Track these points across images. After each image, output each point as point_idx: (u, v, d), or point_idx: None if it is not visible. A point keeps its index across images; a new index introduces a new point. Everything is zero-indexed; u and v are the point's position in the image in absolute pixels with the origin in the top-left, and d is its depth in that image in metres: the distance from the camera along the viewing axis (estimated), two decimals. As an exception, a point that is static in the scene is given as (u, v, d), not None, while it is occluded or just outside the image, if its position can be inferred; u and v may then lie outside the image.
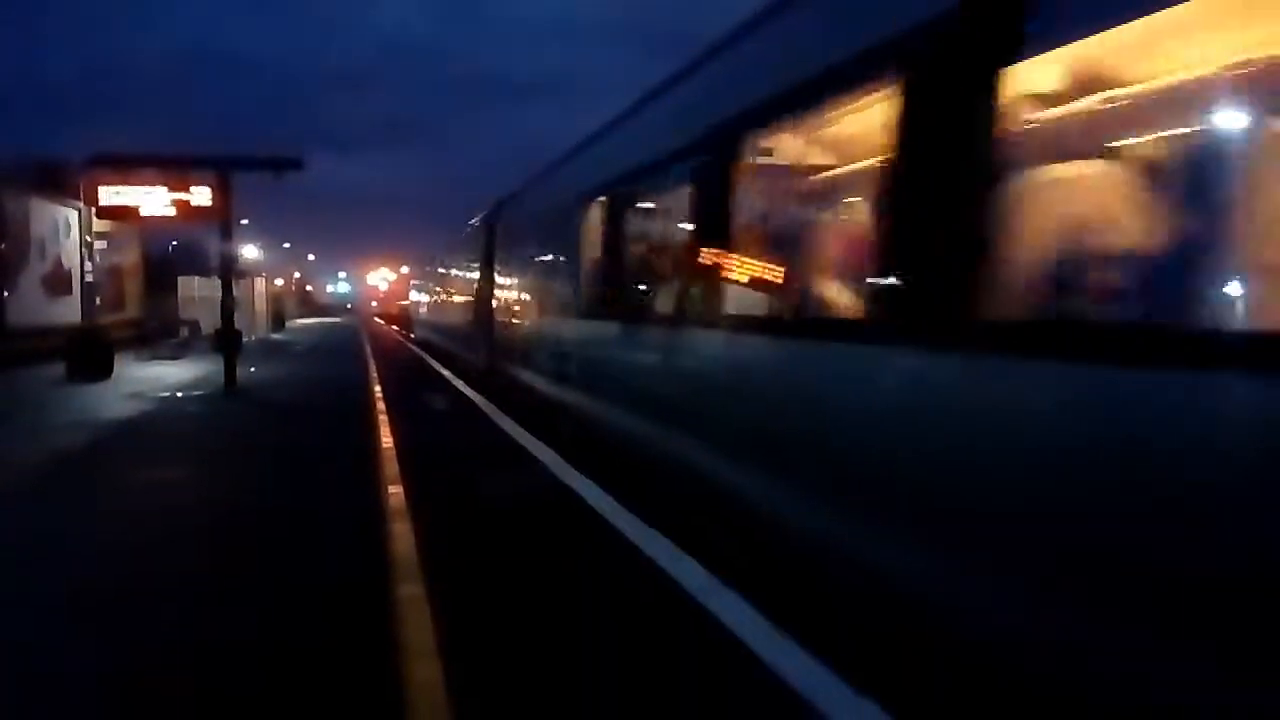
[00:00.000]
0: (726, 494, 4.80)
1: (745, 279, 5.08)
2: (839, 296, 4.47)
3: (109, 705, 3.20)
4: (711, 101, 5.60)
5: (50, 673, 3.46)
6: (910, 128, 3.31)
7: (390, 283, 67.06)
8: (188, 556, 5.01)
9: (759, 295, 5.00)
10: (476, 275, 16.03)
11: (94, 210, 16.99)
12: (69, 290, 24.20)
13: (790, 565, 4.14)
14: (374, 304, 72.42)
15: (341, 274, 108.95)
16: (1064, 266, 2.93)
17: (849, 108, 4.08)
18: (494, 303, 14.25)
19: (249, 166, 14.27)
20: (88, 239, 25.15)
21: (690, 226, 5.85)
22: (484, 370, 14.08)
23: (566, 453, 7.56)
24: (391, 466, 7.38)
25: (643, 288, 7.18)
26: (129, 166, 14.15)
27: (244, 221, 30.17)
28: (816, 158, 5.40)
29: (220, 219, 14.43)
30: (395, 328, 47.21)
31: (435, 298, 25.71)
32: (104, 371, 16.06)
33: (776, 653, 3.34)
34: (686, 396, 5.55)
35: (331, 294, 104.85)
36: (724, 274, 5.18)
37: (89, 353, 16.31)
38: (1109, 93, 3.06)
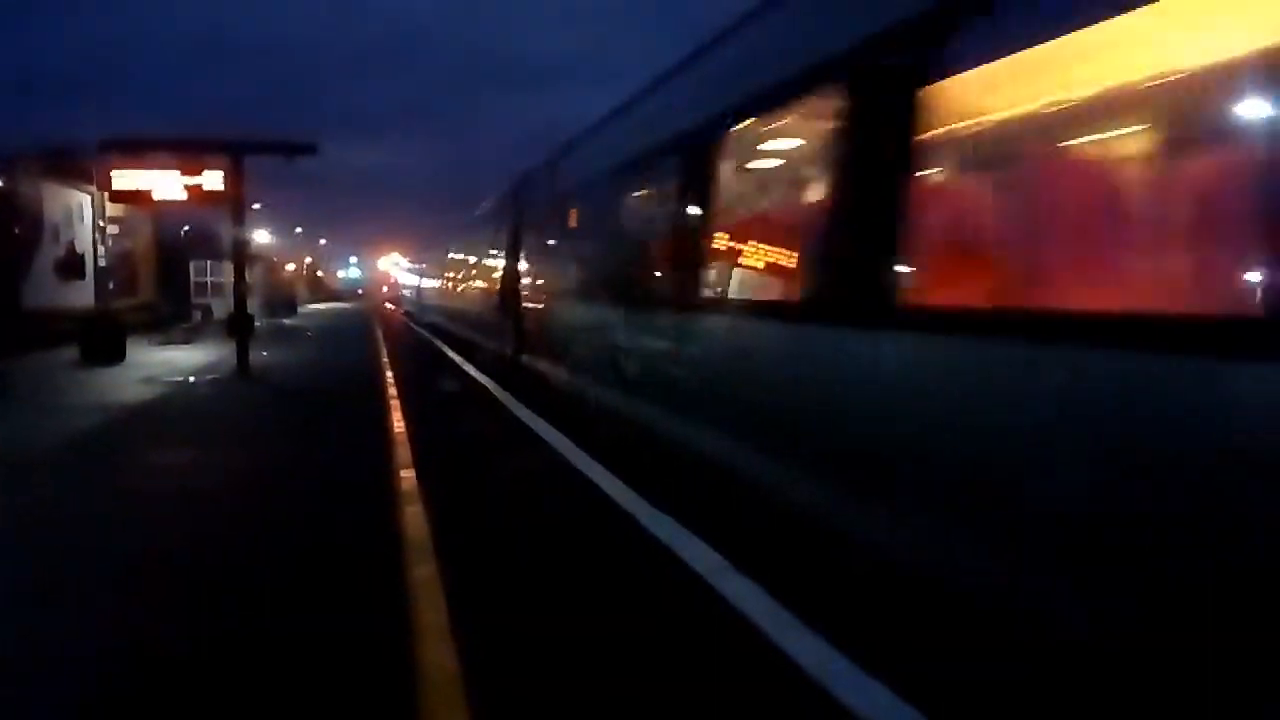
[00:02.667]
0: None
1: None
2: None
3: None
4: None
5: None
6: (847, 138, 3.83)
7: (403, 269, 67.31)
8: (205, 530, 5.03)
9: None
10: (498, 257, 14.56)
11: (107, 195, 17.03)
12: (82, 275, 24.29)
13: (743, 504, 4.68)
14: (385, 289, 72.53)
15: (353, 259, 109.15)
16: (969, 257, 3.47)
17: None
18: (521, 288, 12.64)
19: (262, 150, 14.28)
20: (101, 224, 25.23)
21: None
22: (508, 362, 12.76)
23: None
24: (406, 458, 7.37)
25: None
26: (142, 150, 14.16)
27: (256, 206, 30.18)
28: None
29: (233, 203, 14.44)
30: (405, 312, 47.49)
31: (448, 283, 24.52)
32: (117, 356, 16.13)
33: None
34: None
35: (343, 279, 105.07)
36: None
37: (102, 337, 16.37)
38: (1008, 111, 3.46)
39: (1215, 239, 2.64)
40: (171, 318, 26.33)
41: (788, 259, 5.11)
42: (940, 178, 3.71)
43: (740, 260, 5.66)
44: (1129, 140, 3.07)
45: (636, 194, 7.45)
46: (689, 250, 5.84)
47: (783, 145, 5.43)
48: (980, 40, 3.15)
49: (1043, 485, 2.75)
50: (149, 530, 5.25)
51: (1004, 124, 3.46)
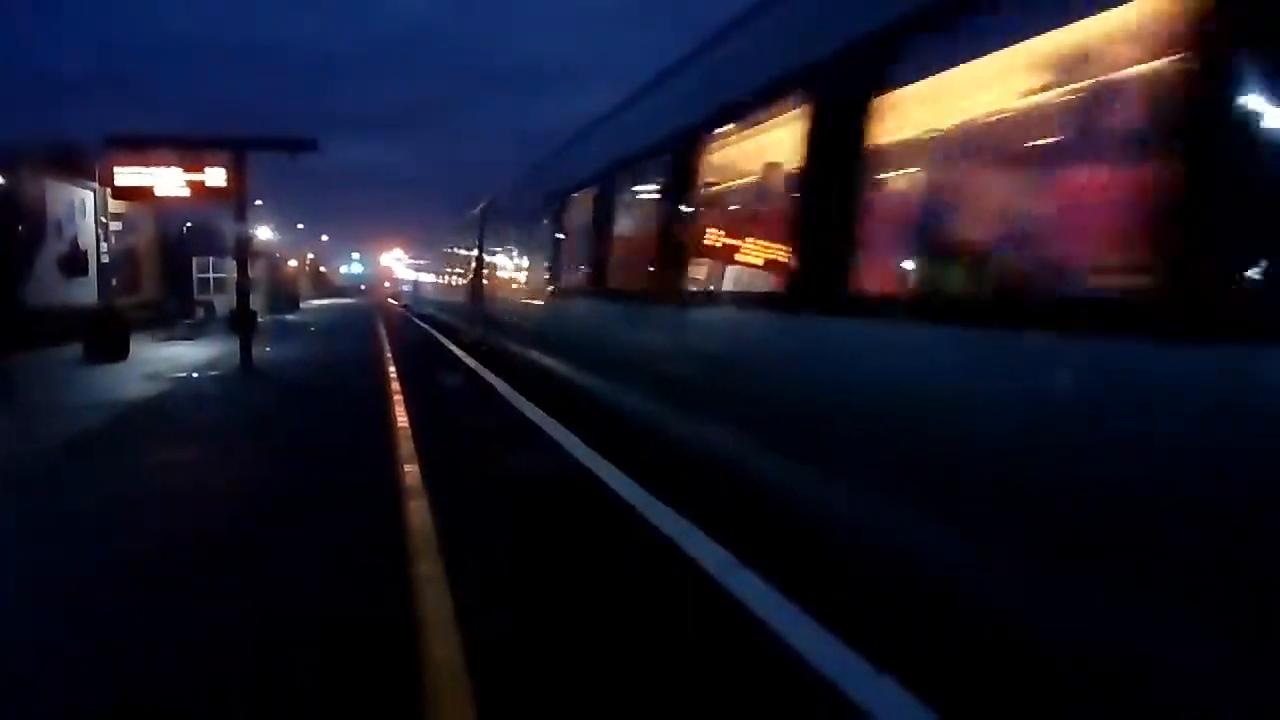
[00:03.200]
0: (634, 412, 6.76)
1: (662, 259, 6.49)
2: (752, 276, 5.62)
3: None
4: (624, 132, 7.89)
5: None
6: (807, 143, 4.31)
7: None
8: (210, 525, 5.07)
9: (674, 272, 6.25)
10: (473, 261, 18.31)
11: (109, 191, 17.06)
12: (85, 271, 24.32)
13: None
14: (387, 284, 72.56)
15: (355, 255, 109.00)
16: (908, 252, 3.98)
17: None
18: (485, 284, 16.58)
19: (264, 147, 14.29)
20: (103, 220, 25.26)
21: (627, 220, 7.78)
22: (479, 340, 16.55)
23: (547, 405, 9.03)
24: (406, 444, 7.42)
25: (597, 270, 8.37)
26: (144, 147, 14.19)
27: (258, 202, 30.21)
28: (726, 172, 6.16)
29: (235, 199, 14.46)
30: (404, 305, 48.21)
31: (439, 280, 28.74)
32: (121, 352, 16.16)
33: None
34: (622, 352, 7.24)
35: (345, 275, 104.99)
36: (658, 255, 6.55)
37: (106, 333, 16.40)
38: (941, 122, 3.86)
39: (1079, 237, 3.11)
40: (175, 314, 26.35)
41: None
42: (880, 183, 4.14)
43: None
44: (1023, 151, 3.54)
45: (551, 219, 10.45)
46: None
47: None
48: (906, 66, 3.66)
49: (950, 450, 3.20)
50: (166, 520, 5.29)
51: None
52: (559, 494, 5.72)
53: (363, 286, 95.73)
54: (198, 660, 3.39)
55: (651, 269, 6.67)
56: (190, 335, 22.17)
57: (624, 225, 7.90)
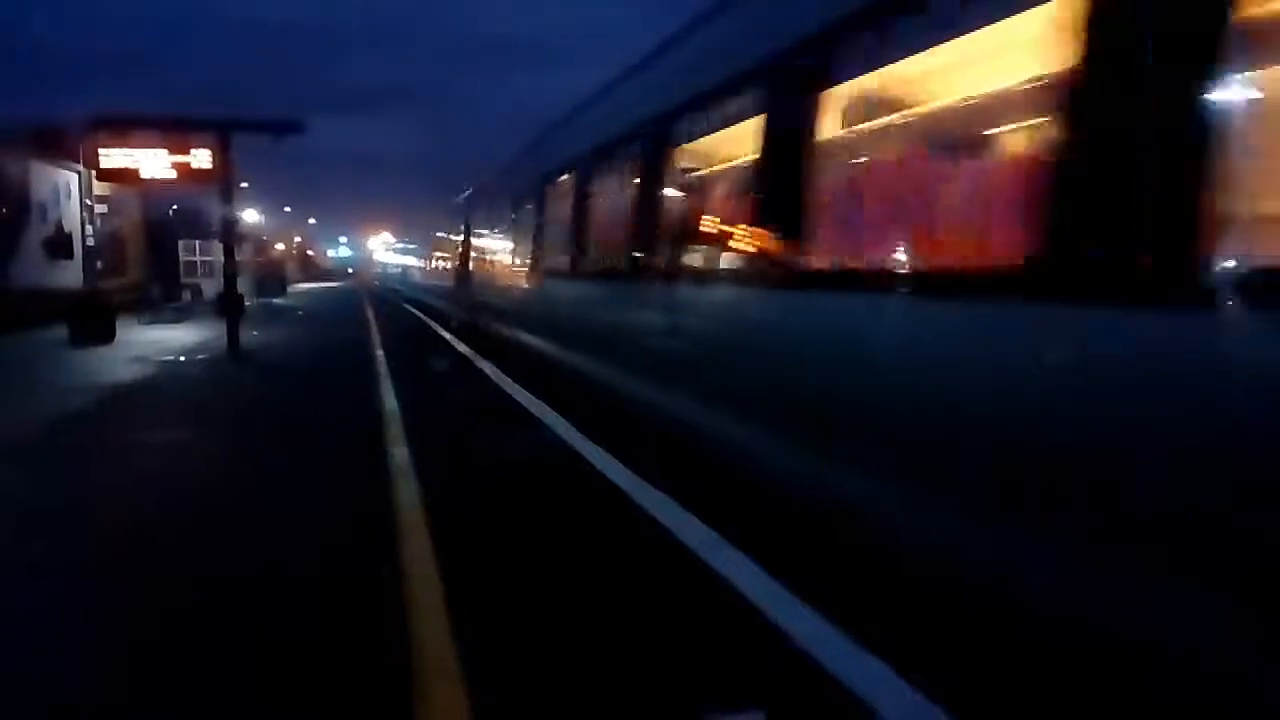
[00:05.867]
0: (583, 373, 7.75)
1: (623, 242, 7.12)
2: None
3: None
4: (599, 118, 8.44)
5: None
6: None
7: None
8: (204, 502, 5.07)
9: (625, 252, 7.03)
10: (460, 247, 18.97)
11: (94, 173, 16.95)
12: (70, 254, 24.18)
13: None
14: (375, 270, 72.41)
15: (343, 238, 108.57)
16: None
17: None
18: (471, 268, 17.55)
19: (249, 129, 14.20)
20: (88, 202, 25.10)
21: (603, 205, 8.22)
22: (464, 321, 17.34)
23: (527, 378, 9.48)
24: (395, 426, 7.43)
25: (578, 252, 8.75)
26: (129, 128, 14.08)
27: (244, 185, 30.06)
28: (692, 159, 6.60)
29: (220, 182, 14.38)
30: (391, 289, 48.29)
31: (427, 263, 30.09)
32: (107, 335, 16.09)
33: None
34: (597, 328, 7.88)
35: (333, 258, 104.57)
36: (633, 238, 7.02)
37: (91, 317, 16.31)
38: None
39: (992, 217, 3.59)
40: (161, 297, 26.21)
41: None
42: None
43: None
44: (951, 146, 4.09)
45: (517, 212, 12.20)
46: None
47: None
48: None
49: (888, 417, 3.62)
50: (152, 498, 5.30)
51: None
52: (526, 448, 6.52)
53: (350, 270, 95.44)
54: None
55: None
56: (177, 319, 22.05)
57: (597, 209, 8.49)
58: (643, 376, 6.30)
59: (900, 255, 4.05)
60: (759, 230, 4.83)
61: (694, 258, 6.11)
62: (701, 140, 6.08)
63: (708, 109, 5.74)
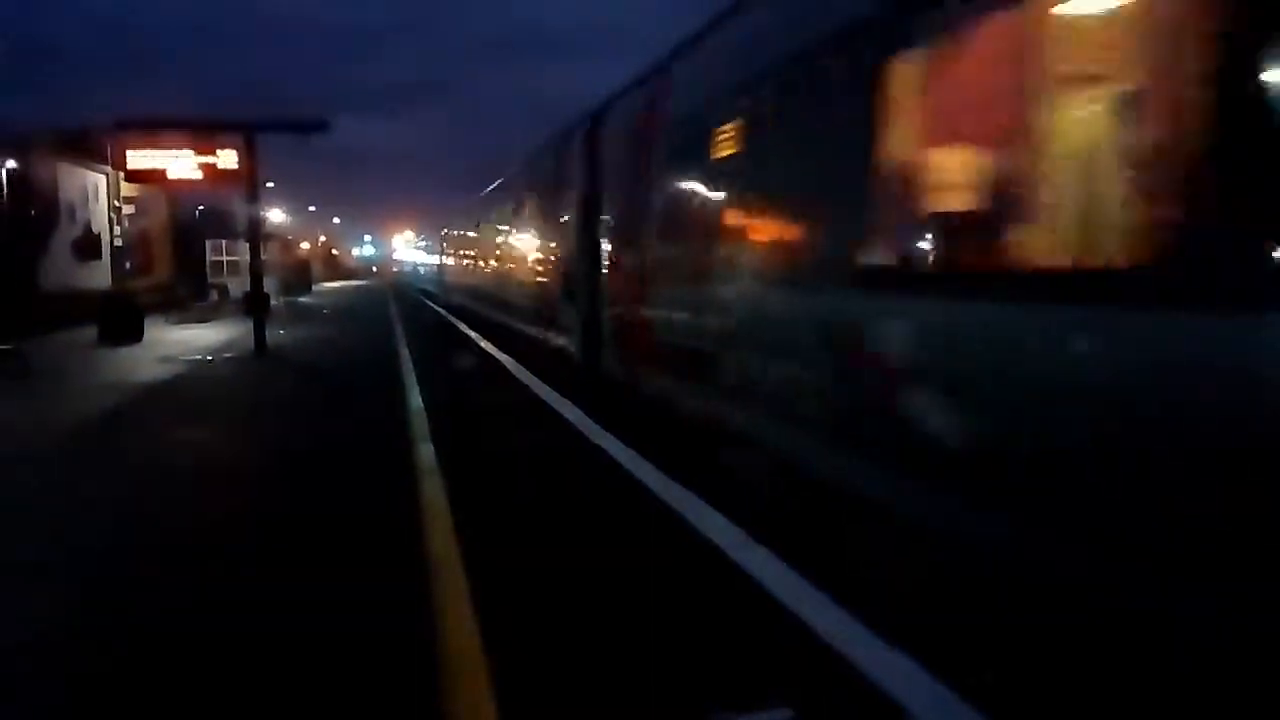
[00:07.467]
0: None
1: None
2: None
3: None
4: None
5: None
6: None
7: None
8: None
9: None
10: (562, 217, 10.69)
11: (122, 175, 17.11)
12: (98, 255, 24.45)
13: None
14: (395, 269, 72.70)
15: (367, 237, 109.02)
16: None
17: None
18: (603, 258, 8.83)
19: (275, 129, 14.28)
20: (116, 203, 25.35)
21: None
22: (577, 365, 9.62)
23: None
24: (420, 421, 7.42)
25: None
26: (156, 130, 14.18)
27: (270, 184, 30.20)
28: None
29: (246, 182, 14.45)
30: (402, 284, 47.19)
31: (473, 258, 21.47)
32: (135, 335, 16.23)
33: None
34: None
35: (358, 257, 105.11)
36: None
37: (120, 316, 16.47)
38: None
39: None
40: (188, 297, 26.44)
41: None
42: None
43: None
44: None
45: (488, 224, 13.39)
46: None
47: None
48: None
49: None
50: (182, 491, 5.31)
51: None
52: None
53: (374, 268, 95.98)
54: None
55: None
56: (204, 318, 22.22)
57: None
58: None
59: None
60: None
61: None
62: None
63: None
